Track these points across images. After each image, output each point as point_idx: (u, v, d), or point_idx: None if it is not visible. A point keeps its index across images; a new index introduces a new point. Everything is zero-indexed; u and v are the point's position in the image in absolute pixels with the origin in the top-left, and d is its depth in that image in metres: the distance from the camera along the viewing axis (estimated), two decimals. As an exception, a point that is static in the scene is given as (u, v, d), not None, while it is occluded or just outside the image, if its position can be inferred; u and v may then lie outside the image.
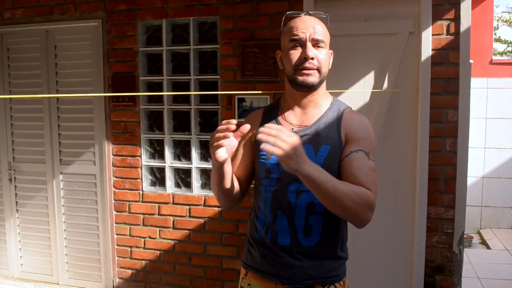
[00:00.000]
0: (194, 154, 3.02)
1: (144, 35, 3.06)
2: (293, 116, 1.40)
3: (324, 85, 1.40)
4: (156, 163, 3.12)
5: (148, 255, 3.14)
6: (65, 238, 3.32)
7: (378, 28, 2.65)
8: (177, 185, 3.11)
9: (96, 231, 3.24)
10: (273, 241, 1.36)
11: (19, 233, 3.44)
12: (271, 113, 1.45)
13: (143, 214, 3.13)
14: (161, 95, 3.05)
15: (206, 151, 3.04)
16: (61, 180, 3.29)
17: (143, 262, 3.16)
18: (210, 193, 3.00)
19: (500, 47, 6.43)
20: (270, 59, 2.75)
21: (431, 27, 2.53)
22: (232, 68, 2.86)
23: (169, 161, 3.08)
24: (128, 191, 3.15)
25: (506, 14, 6.92)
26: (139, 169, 3.11)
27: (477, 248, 4.54)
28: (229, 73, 2.88)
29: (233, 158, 1.33)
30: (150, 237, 3.13)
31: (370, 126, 1.38)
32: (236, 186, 1.40)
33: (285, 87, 1.42)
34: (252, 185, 1.50)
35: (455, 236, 2.59)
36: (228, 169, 1.30)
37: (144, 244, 3.14)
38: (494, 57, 5.13)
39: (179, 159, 3.10)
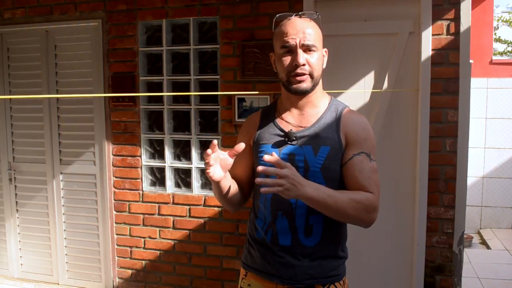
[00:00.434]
0: (194, 154, 3.02)
1: (144, 35, 3.06)
2: (291, 117, 1.40)
3: (320, 85, 1.40)
4: (156, 163, 3.12)
5: (148, 255, 3.14)
6: (65, 238, 3.32)
7: (378, 28, 2.65)
8: (177, 185, 3.11)
9: (96, 231, 3.24)
10: (273, 241, 1.36)
11: (19, 233, 3.44)
12: (269, 115, 1.45)
13: (143, 214, 3.13)
14: (161, 95, 3.05)
15: (206, 151, 3.03)
16: (61, 180, 3.29)
17: (143, 262, 3.16)
18: (210, 193, 3.00)
19: (500, 47, 6.43)
20: (270, 59, 2.75)
21: (431, 27, 2.53)
22: (232, 68, 2.86)
23: (169, 161, 3.08)
24: (128, 191, 3.15)
25: (506, 14, 6.92)
26: (139, 169, 3.11)
27: (477, 248, 4.54)
28: (229, 73, 2.88)
29: (234, 162, 1.34)
30: (150, 237, 3.13)
31: (369, 125, 1.39)
32: (238, 192, 1.43)
33: (281, 89, 1.43)
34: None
35: (455, 236, 2.59)
36: (226, 183, 1.35)
37: (144, 244, 3.14)
38: (494, 57, 5.13)
39: (179, 159, 3.10)
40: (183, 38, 3.00)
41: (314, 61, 1.32)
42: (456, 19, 2.51)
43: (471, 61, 2.57)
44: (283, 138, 1.37)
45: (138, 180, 3.12)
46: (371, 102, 2.70)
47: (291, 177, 1.17)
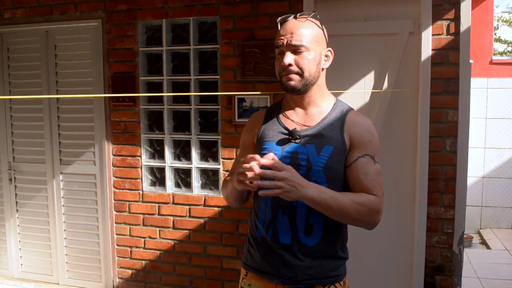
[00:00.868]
0: (194, 154, 3.02)
1: (144, 35, 3.06)
2: (295, 116, 1.41)
3: (321, 85, 1.39)
4: (156, 163, 3.12)
5: (148, 255, 3.14)
6: (65, 238, 3.32)
7: (378, 28, 2.65)
8: (177, 185, 3.11)
9: (96, 231, 3.24)
10: (274, 240, 1.37)
11: (19, 233, 3.44)
12: (274, 113, 1.46)
13: (143, 214, 3.13)
14: (161, 95, 3.04)
15: (206, 151, 3.04)
16: (61, 180, 3.29)
17: (143, 262, 3.16)
18: (210, 193, 3.00)
19: (500, 47, 6.43)
20: (270, 59, 2.75)
21: (431, 27, 2.53)
22: (232, 68, 2.86)
23: (169, 161, 3.08)
24: (128, 191, 3.15)
25: (506, 14, 6.92)
26: (139, 169, 3.11)
27: (477, 248, 4.54)
28: (229, 73, 2.88)
29: (239, 158, 1.36)
30: (150, 237, 3.13)
31: (374, 128, 1.39)
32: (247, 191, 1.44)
33: None
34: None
35: (455, 236, 2.59)
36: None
37: (144, 244, 3.14)
38: (494, 57, 5.13)
39: (179, 159, 3.10)
40: (183, 38, 3.00)
41: (304, 61, 1.32)
42: (456, 19, 2.51)
43: (471, 61, 2.57)
44: (287, 136, 1.37)
45: (138, 180, 3.12)
46: (371, 102, 2.70)
47: (290, 179, 1.18)
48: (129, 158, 3.12)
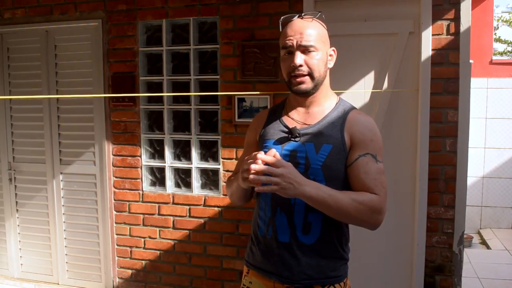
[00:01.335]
0: (194, 154, 3.02)
1: (144, 35, 3.06)
2: (296, 115, 1.41)
3: (326, 84, 1.40)
4: (156, 163, 3.12)
5: (148, 255, 3.14)
6: (65, 238, 3.32)
7: (378, 28, 2.65)
8: (177, 185, 3.11)
9: (96, 231, 3.24)
10: (274, 238, 1.37)
11: (19, 233, 3.44)
12: (276, 112, 1.47)
13: (143, 214, 3.13)
14: (161, 95, 3.04)
15: (206, 151, 3.04)
16: (61, 180, 3.29)
17: (143, 262, 3.16)
18: (210, 193, 3.00)
19: (500, 47, 6.43)
20: (270, 59, 2.75)
21: (431, 27, 2.53)
22: (232, 68, 2.86)
23: (169, 161, 3.08)
24: (128, 191, 3.15)
25: (506, 14, 6.92)
26: (139, 169, 3.11)
27: (477, 248, 4.54)
28: (229, 73, 2.88)
29: (243, 157, 1.37)
30: (150, 237, 3.13)
31: (376, 127, 1.39)
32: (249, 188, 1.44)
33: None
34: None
35: (455, 236, 2.59)
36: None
37: (144, 244, 3.14)
38: (494, 57, 5.13)
39: (179, 159, 3.10)
40: (183, 38, 3.00)
41: (314, 61, 1.33)
42: (456, 19, 2.51)
43: (471, 61, 2.57)
44: (286, 135, 1.38)
45: (138, 180, 3.12)
46: (371, 102, 2.70)
47: (287, 176, 1.18)
48: (129, 158, 3.12)
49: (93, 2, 3.07)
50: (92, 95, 3.09)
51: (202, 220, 3.01)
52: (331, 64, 1.40)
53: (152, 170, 3.15)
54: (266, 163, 1.19)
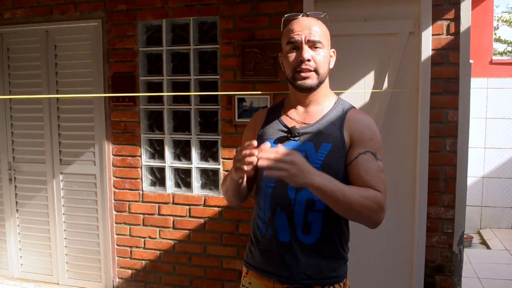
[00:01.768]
0: (194, 154, 3.02)
1: (144, 35, 3.06)
2: (296, 114, 1.41)
3: (326, 84, 1.41)
4: (156, 163, 3.12)
5: (148, 255, 3.14)
6: (65, 238, 3.32)
7: (378, 28, 2.65)
8: (177, 185, 3.11)
9: (96, 231, 3.24)
10: (274, 238, 1.37)
11: (19, 233, 3.44)
12: (275, 112, 1.47)
13: (143, 214, 3.13)
14: (161, 95, 3.05)
15: (206, 151, 3.04)
16: (61, 180, 3.29)
17: (143, 262, 3.16)
18: (210, 193, 3.00)
19: (500, 47, 6.43)
20: (270, 59, 2.75)
21: (431, 27, 2.53)
22: (232, 68, 2.86)
23: (169, 161, 3.08)
24: (128, 191, 3.15)
25: (506, 14, 6.92)
26: (139, 169, 3.11)
27: (477, 248, 4.54)
28: (229, 73, 2.88)
29: None
30: (150, 237, 3.13)
31: (375, 125, 1.39)
32: (248, 187, 1.44)
33: (289, 87, 1.43)
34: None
35: (455, 236, 2.59)
36: (245, 179, 1.35)
37: (144, 244, 3.14)
38: (494, 57, 5.13)
39: (179, 159, 3.10)
40: (183, 38, 3.00)
41: (320, 58, 1.33)
42: (456, 19, 2.51)
43: (471, 61, 2.57)
44: (286, 134, 1.37)
45: (138, 180, 3.12)
46: (371, 102, 2.70)
47: (298, 163, 1.15)
48: (129, 158, 3.12)
49: (93, 2, 3.07)
50: (92, 95, 3.09)
51: (202, 220, 3.01)
52: (331, 65, 1.41)
53: (152, 170, 3.15)
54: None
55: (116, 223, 3.19)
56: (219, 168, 2.97)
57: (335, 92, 1.49)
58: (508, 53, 6.27)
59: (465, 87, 2.53)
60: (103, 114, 3.13)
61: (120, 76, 3.06)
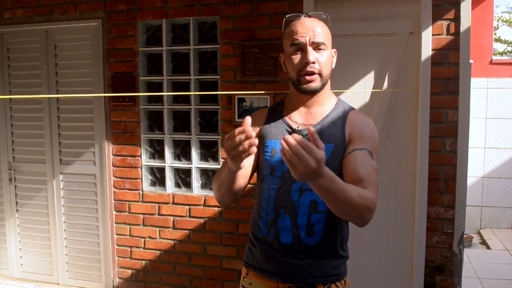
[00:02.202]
0: (194, 154, 3.02)
1: (144, 35, 3.06)
2: (298, 115, 1.41)
3: (328, 85, 1.41)
4: (156, 163, 3.12)
5: (148, 255, 3.14)
6: (65, 238, 3.32)
7: (378, 28, 2.65)
8: (177, 185, 3.11)
9: (96, 231, 3.24)
10: (276, 240, 1.37)
11: (19, 233, 3.44)
12: (276, 112, 1.46)
13: (143, 214, 3.13)
14: (161, 95, 3.05)
15: (206, 151, 3.04)
16: (61, 180, 3.29)
17: (143, 262, 3.16)
18: (210, 193, 3.00)
19: (500, 47, 6.43)
20: (270, 59, 2.75)
21: (431, 27, 2.53)
22: (232, 68, 2.86)
23: (169, 161, 3.08)
24: (128, 191, 3.15)
25: (506, 14, 6.92)
26: (139, 169, 3.11)
27: (477, 248, 4.54)
28: (229, 73, 2.88)
29: None
30: (150, 237, 3.13)
31: (375, 128, 1.39)
32: (242, 184, 1.37)
33: (290, 88, 1.43)
34: (252, 185, 1.50)
35: (455, 236, 2.59)
36: (240, 171, 1.26)
37: (144, 244, 3.14)
38: (494, 57, 5.13)
39: (179, 159, 3.10)
40: (183, 38, 3.00)
41: (324, 60, 1.33)
42: (456, 19, 2.51)
43: (471, 61, 2.57)
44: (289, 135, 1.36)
45: (138, 180, 3.12)
46: (371, 102, 2.70)
47: (321, 161, 1.01)
48: (129, 158, 3.12)
49: (93, 2, 3.07)
50: (92, 95, 3.09)
51: (202, 220, 3.01)
52: (333, 65, 1.41)
53: (152, 170, 3.15)
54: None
55: (116, 223, 3.19)
56: (219, 168, 2.96)
57: (335, 92, 1.49)
58: (508, 53, 6.27)
59: (465, 87, 2.53)
60: (103, 114, 3.13)
61: (120, 76, 3.06)
